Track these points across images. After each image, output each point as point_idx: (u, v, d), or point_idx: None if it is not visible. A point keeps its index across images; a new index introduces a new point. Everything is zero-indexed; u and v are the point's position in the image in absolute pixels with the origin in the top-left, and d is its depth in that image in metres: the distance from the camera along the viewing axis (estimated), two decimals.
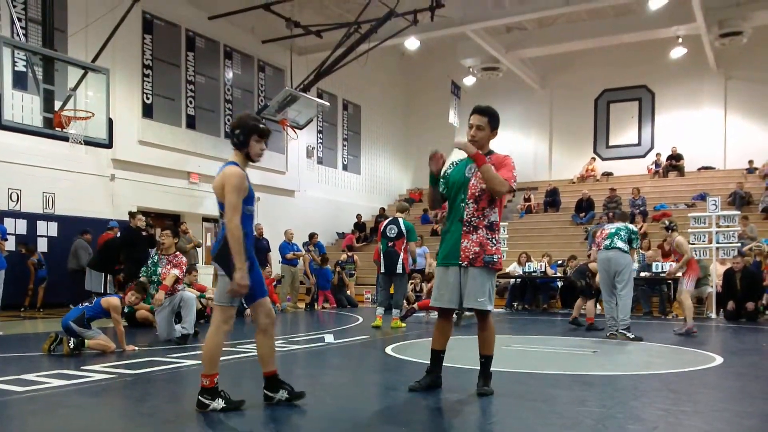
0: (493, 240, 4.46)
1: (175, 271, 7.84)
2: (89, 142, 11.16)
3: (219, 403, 3.99)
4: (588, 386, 5.03)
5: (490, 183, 4.36)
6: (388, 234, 9.77)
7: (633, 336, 8.10)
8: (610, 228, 8.57)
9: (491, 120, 4.58)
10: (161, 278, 7.88)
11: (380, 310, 10.06)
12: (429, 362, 4.69)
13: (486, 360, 4.58)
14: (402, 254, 9.71)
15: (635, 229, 8.72)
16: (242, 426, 3.82)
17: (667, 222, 9.83)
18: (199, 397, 4.01)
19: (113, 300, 7.00)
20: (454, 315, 4.93)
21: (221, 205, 4.03)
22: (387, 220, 10.04)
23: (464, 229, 4.45)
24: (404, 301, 10.61)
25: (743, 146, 20.01)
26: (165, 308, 7.79)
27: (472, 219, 4.44)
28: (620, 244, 8.26)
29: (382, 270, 9.94)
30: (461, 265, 4.44)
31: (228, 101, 17.40)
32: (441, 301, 4.54)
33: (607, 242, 8.36)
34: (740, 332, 9.72)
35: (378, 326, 9.59)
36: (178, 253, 8.20)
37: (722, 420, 4.01)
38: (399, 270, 9.74)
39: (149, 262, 8.21)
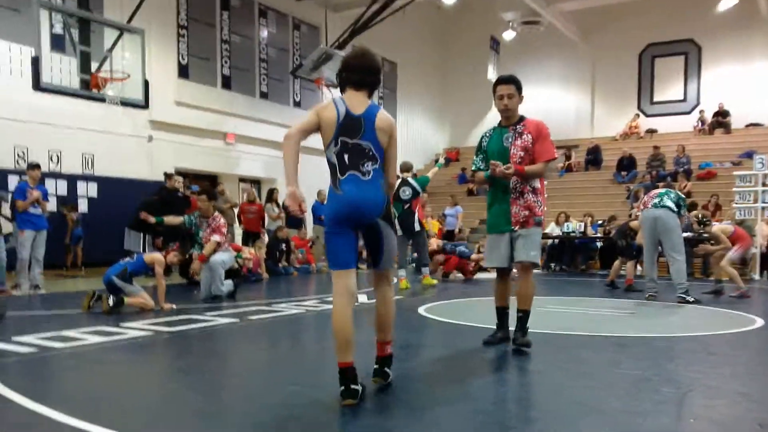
0: (538, 202, 4.70)
1: (216, 237, 7.94)
2: (126, 103, 11.26)
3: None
4: (623, 348, 4.95)
5: (538, 177, 4.69)
6: (402, 197, 9.67)
7: (693, 299, 7.83)
8: (655, 193, 8.31)
9: (518, 87, 4.75)
10: (203, 242, 7.99)
11: (402, 272, 10.05)
12: (497, 319, 4.96)
13: (524, 314, 4.75)
14: (417, 212, 9.69)
15: (683, 195, 8.43)
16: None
17: (699, 216, 9.61)
18: (386, 368, 3.56)
19: (157, 255, 7.20)
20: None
21: (380, 149, 3.39)
22: (398, 182, 9.80)
23: (512, 196, 4.69)
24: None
25: None
26: (207, 270, 7.94)
27: (517, 185, 4.67)
28: (669, 203, 7.95)
29: (399, 233, 9.87)
30: (513, 230, 4.70)
31: (263, 60, 17.32)
32: (494, 261, 4.82)
33: (656, 200, 8.07)
34: None
35: (406, 287, 9.60)
36: (217, 214, 8.21)
37: (760, 383, 3.90)
38: (417, 228, 9.72)
39: (192, 223, 8.18)
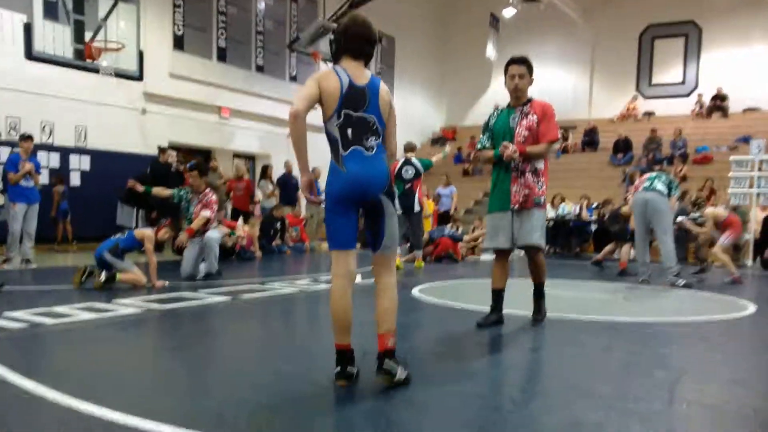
0: (540, 182, 4.79)
1: (206, 213, 7.85)
2: (120, 75, 11.17)
3: (401, 372, 3.16)
4: (616, 332, 4.95)
5: (540, 158, 4.77)
6: (404, 176, 9.60)
7: (683, 282, 7.87)
8: (646, 177, 8.34)
9: (529, 68, 4.86)
10: (193, 217, 7.92)
11: (419, 253, 10.08)
12: (492, 301, 4.97)
13: (539, 287, 5.07)
14: (417, 193, 9.64)
15: (675, 179, 8.42)
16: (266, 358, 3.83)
17: (693, 197, 9.72)
18: (388, 363, 3.12)
19: (147, 231, 7.14)
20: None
21: (382, 122, 3.24)
22: (401, 162, 9.72)
23: (513, 174, 4.76)
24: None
25: None
26: (194, 246, 7.86)
27: (518, 165, 4.74)
28: (660, 186, 7.99)
29: (399, 211, 9.86)
30: (513, 209, 4.77)
31: (259, 33, 17.11)
32: (496, 242, 4.87)
33: (647, 183, 8.13)
34: None
35: (399, 267, 9.58)
36: (208, 190, 8.11)
37: (752, 369, 3.91)
38: (417, 208, 9.68)
39: (182, 198, 8.10)
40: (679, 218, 10.04)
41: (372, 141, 3.15)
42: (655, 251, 8.90)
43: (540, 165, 4.80)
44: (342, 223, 3.18)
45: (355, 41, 3.22)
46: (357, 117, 3.15)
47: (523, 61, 4.84)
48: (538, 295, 5.11)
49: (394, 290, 3.27)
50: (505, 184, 4.79)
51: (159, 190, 8.26)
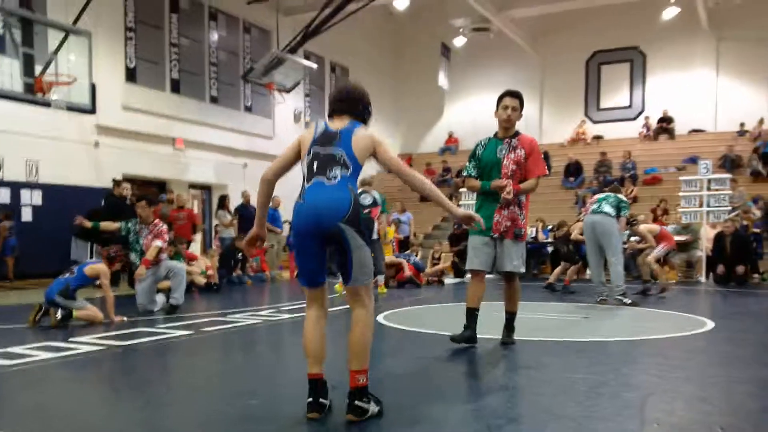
0: (522, 215, 5.00)
1: (158, 243, 7.68)
2: (72, 108, 10.93)
3: (374, 407, 3.12)
4: (579, 353, 5.02)
5: (530, 193, 5.04)
6: (362, 202, 9.63)
7: (630, 301, 8.06)
8: (596, 198, 8.59)
9: (521, 103, 5.06)
10: (144, 249, 7.74)
11: (381, 277, 10.06)
12: (466, 319, 5.04)
13: (510, 316, 5.19)
14: (376, 221, 9.69)
15: (625, 199, 8.64)
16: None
17: (628, 218, 10.22)
18: (356, 402, 3.06)
19: (100, 266, 6.85)
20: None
21: (353, 157, 3.18)
22: (359, 191, 9.81)
23: (498, 205, 4.94)
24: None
25: (734, 108, 19.86)
26: (147, 278, 7.67)
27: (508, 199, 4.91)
28: (607, 208, 8.16)
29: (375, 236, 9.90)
30: (493, 236, 4.95)
31: (213, 64, 17.03)
32: (474, 264, 5.03)
33: (595, 206, 8.32)
34: (730, 296, 9.77)
35: (382, 293, 9.63)
36: (157, 221, 7.93)
37: (716, 386, 4.00)
38: (375, 236, 9.72)
39: (130, 231, 7.87)
40: (633, 239, 10.35)
41: (336, 171, 3.13)
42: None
43: (523, 198, 5.02)
44: (304, 260, 3.21)
45: (331, 104, 3.41)
46: (324, 152, 3.19)
47: (517, 95, 5.03)
48: (510, 321, 5.21)
49: (366, 323, 3.19)
50: (489, 211, 4.94)
51: (107, 225, 8.03)
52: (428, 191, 3.38)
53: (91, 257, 10.81)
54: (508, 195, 4.84)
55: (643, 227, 10.06)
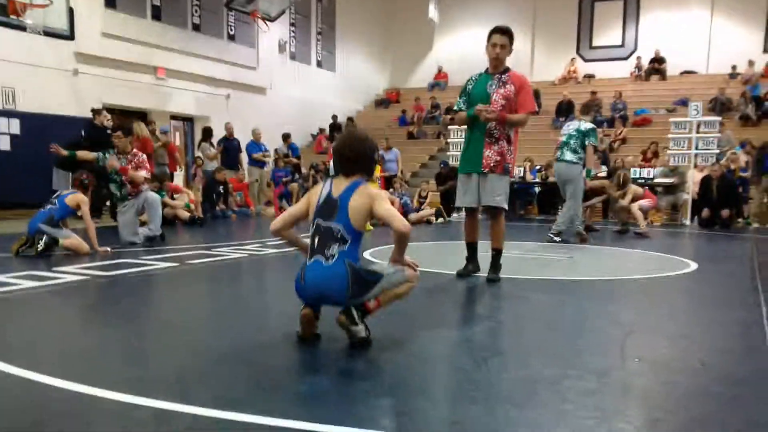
0: (510, 150, 5.10)
1: (143, 173, 7.57)
2: (49, 33, 10.57)
3: (362, 330, 3.19)
4: (564, 290, 5.05)
5: (518, 126, 5.15)
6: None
7: (559, 240, 8.43)
8: (563, 134, 8.65)
9: (510, 39, 5.08)
10: (125, 180, 7.57)
11: None
12: (467, 252, 5.38)
13: (497, 253, 5.26)
14: None
15: (589, 126, 8.63)
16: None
17: (621, 177, 10.34)
18: (353, 311, 3.18)
19: (78, 195, 6.73)
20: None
21: (351, 230, 3.24)
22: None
23: (486, 140, 5.03)
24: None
25: (727, 50, 19.70)
26: (129, 210, 7.57)
27: (494, 132, 5.02)
28: (569, 156, 8.43)
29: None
30: (483, 172, 5.07)
31: None
32: (465, 201, 5.24)
33: (558, 153, 8.63)
34: (715, 239, 9.86)
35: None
36: (136, 151, 7.76)
37: (697, 324, 4.05)
38: None
39: (100, 154, 7.63)
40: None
41: (334, 249, 3.22)
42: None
43: (513, 134, 5.11)
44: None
45: (337, 162, 3.44)
46: (324, 227, 3.28)
47: (506, 32, 5.05)
48: (496, 259, 5.28)
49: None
50: (478, 147, 5.07)
51: (83, 154, 7.78)
52: (402, 235, 3.31)
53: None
54: (490, 114, 4.91)
55: (633, 187, 10.33)
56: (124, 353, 3.19)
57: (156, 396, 2.42)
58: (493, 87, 5.05)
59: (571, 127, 8.62)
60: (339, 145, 3.46)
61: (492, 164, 5.04)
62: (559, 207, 10.33)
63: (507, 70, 5.12)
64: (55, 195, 6.95)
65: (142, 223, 7.94)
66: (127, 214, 7.59)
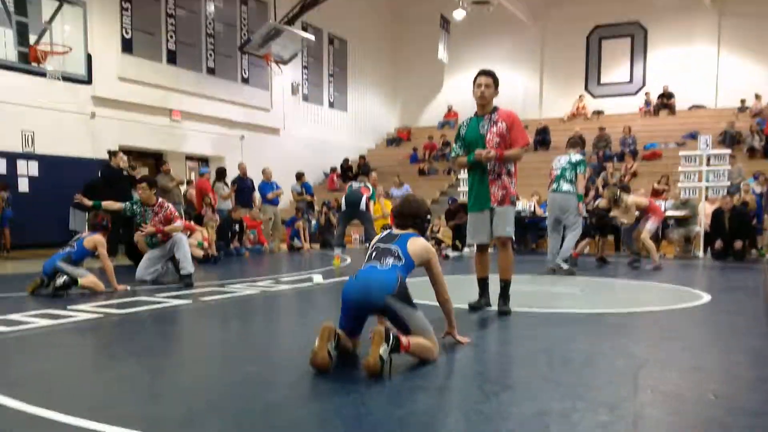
0: (512, 182, 5.34)
1: (178, 223, 7.70)
2: (68, 78, 10.85)
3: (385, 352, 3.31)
4: (576, 323, 5.03)
5: (516, 161, 5.32)
6: (353, 184, 10.30)
7: (567, 268, 8.62)
8: (557, 167, 8.83)
9: (495, 80, 5.30)
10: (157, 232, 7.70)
11: (338, 250, 10.13)
12: (479, 288, 5.50)
13: (505, 284, 5.38)
14: (365, 196, 9.85)
15: (579, 157, 8.88)
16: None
17: (617, 193, 10.41)
18: (390, 337, 3.29)
19: (96, 237, 6.84)
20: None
21: (407, 254, 3.68)
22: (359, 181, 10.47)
23: (490, 177, 5.25)
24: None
25: (735, 84, 19.80)
26: (155, 253, 7.67)
27: (495, 168, 5.23)
28: (566, 187, 8.71)
29: (344, 207, 10.02)
30: (492, 207, 5.27)
31: (210, 35, 16.89)
32: (477, 238, 5.42)
33: (554, 186, 8.84)
34: (728, 271, 9.79)
35: (337, 265, 9.69)
36: (162, 201, 7.81)
37: (710, 355, 4.02)
38: (362, 207, 9.82)
39: (136, 213, 7.74)
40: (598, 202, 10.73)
41: (389, 260, 3.62)
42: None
43: (512, 167, 5.32)
44: (345, 321, 3.59)
45: (396, 216, 4.00)
46: (384, 247, 3.74)
47: (489, 74, 5.28)
48: (505, 290, 5.38)
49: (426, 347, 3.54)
50: (483, 186, 5.29)
51: (109, 204, 7.85)
52: (446, 302, 4.02)
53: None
54: (489, 155, 5.09)
55: (631, 199, 10.14)
56: (134, 390, 3.23)
57: None
58: (486, 127, 5.25)
59: (562, 161, 8.92)
60: (400, 206, 4.01)
61: (500, 198, 5.25)
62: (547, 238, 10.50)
63: (495, 109, 5.32)
64: (75, 237, 7.08)
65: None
66: (153, 255, 7.71)
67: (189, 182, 14.52)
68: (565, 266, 8.69)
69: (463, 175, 14.57)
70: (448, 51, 21.86)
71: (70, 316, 5.15)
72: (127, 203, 7.83)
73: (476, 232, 5.42)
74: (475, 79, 5.29)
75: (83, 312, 5.36)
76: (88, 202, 7.73)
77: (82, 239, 6.83)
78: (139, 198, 7.80)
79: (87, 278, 6.62)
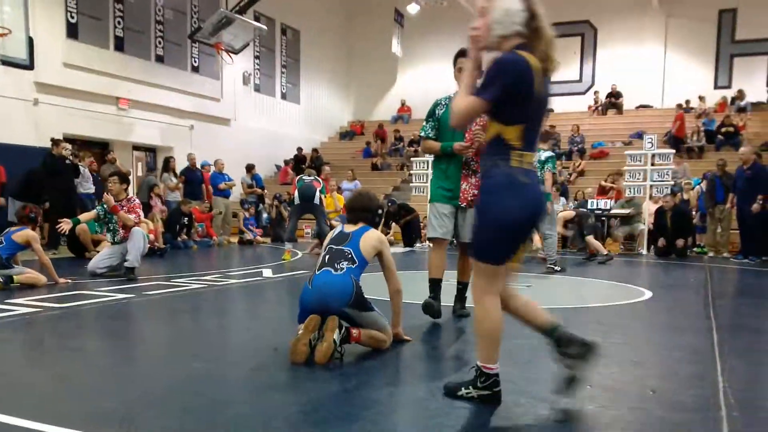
0: None
1: (133, 216, 7.51)
2: (8, 62, 10.44)
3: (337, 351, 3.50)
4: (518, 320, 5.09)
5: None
6: (304, 177, 10.23)
7: (559, 269, 8.67)
8: None
9: None
10: (118, 226, 7.50)
11: (289, 245, 10.13)
12: (431, 290, 4.90)
13: (463, 286, 5.08)
14: (317, 189, 9.86)
15: (548, 154, 8.75)
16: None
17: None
18: (342, 329, 3.55)
19: (28, 232, 6.59)
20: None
21: (360, 255, 3.72)
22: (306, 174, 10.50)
23: (464, 172, 4.79)
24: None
25: (681, 85, 20.39)
26: (116, 247, 7.50)
27: (471, 164, 4.73)
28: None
29: (297, 201, 9.96)
30: (461, 206, 4.82)
31: (159, 23, 16.47)
32: (438, 233, 4.85)
33: None
34: (669, 268, 10.06)
35: (288, 259, 9.68)
36: (131, 196, 7.75)
37: (650, 351, 4.14)
38: (317, 201, 9.80)
39: (99, 208, 7.60)
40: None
41: (343, 264, 3.65)
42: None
43: None
44: (301, 317, 3.63)
45: (348, 211, 4.10)
46: (336, 248, 3.76)
47: None
48: (462, 291, 5.11)
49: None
50: (455, 178, 4.79)
51: (86, 216, 7.87)
52: (398, 293, 4.02)
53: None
54: (473, 145, 4.55)
55: (561, 214, 11.21)
56: (74, 387, 3.14)
57: (104, 430, 2.39)
58: None
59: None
60: (351, 200, 4.11)
61: (469, 198, 4.74)
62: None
63: None
64: (3, 231, 6.80)
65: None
66: (111, 250, 7.54)
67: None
68: (557, 268, 8.67)
69: (417, 170, 14.64)
70: (402, 45, 21.88)
71: (8, 310, 4.97)
72: (99, 207, 7.71)
73: (438, 226, 4.86)
74: (456, 60, 4.79)
75: (21, 306, 5.18)
76: (68, 225, 7.24)
77: (10, 233, 6.56)
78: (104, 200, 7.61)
79: (24, 275, 6.37)
